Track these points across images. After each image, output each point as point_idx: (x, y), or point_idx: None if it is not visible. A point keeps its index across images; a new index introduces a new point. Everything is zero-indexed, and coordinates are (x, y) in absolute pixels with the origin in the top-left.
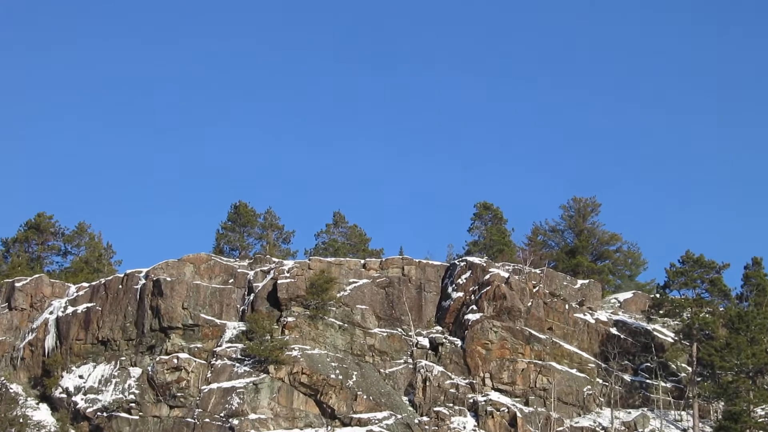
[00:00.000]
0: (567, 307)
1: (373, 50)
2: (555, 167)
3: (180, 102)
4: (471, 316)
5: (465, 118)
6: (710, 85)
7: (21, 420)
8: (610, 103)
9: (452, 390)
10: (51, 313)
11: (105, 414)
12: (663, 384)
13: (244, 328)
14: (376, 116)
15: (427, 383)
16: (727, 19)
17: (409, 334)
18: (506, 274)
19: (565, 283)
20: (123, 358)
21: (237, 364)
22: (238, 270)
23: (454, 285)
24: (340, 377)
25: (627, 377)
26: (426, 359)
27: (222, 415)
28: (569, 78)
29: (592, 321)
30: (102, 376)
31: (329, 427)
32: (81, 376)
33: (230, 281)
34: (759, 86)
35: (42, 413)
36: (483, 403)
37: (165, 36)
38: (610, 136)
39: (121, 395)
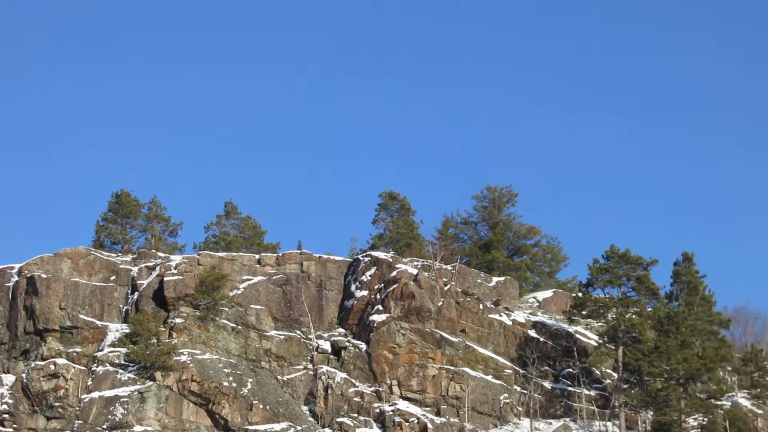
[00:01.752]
0: (481, 307)
1: None
2: (467, 154)
3: (56, 80)
4: (376, 317)
5: (371, 99)
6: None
7: None
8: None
9: (356, 399)
10: None
11: None
12: (586, 392)
13: (127, 331)
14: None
15: (329, 391)
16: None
17: (309, 337)
18: (415, 271)
19: (479, 281)
20: None
21: (120, 371)
22: (121, 266)
23: (357, 282)
24: (234, 385)
25: (547, 384)
26: (328, 365)
27: (105, 427)
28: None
29: (509, 322)
30: None
31: None
32: None
33: (112, 278)
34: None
35: None
36: (390, 413)
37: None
38: (527, 121)
39: None
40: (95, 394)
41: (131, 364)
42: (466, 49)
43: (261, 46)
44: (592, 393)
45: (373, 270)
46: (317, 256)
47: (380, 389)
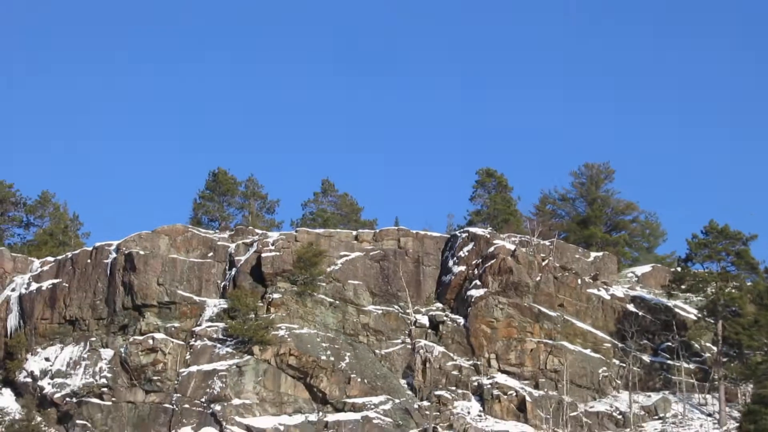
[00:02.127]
0: (579, 281)
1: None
2: (564, 130)
3: (156, 63)
4: (474, 292)
5: (467, 74)
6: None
7: None
8: (621, 59)
9: (455, 372)
10: (13, 290)
11: (74, 399)
12: (685, 365)
13: (225, 306)
14: (366, 71)
15: (427, 365)
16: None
17: (407, 311)
18: (512, 247)
19: (577, 256)
20: (93, 339)
21: (218, 345)
22: (218, 243)
23: (455, 258)
24: (332, 359)
25: (646, 358)
26: (425, 339)
27: (203, 400)
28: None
29: (607, 297)
30: (70, 358)
31: (320, 413)
32: (47, 359)
33: (209, 255)
34: None
35: (5, 399)
36: (489, 386)
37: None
38: (625, 95)
39: (91, 379)
40: (193, 368)
41: (229, 339)
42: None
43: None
44: (691, 366)
45: (470, 246)
46: (414, 232)
47: (478, 363)
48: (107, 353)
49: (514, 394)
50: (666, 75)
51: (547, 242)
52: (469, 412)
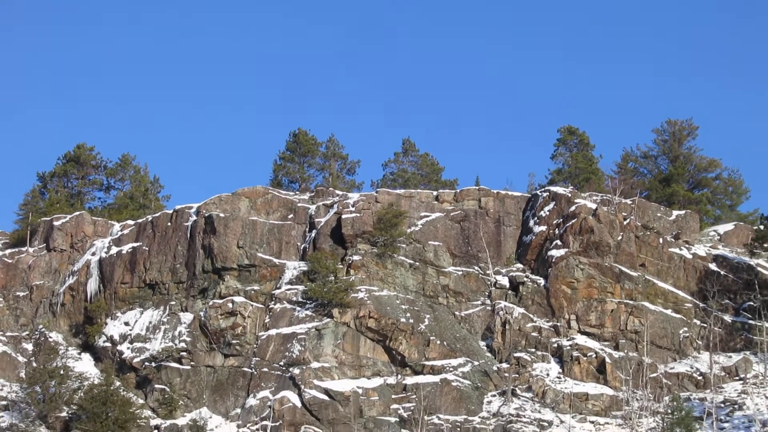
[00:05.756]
0: (661, 241)
1: None
2: (646, 86)
3: (231, 28)
4: (555, 252)
5: (550, 36)
6: None
7: (62, 371)
8: (703, 14)
9: (534, 334)
10: (93, 254)
11: (153, 364)
12: (767, 325)
13: (305, 269)
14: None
15: (507, 326)
16: None
17: (487, 272)
18: (594, 206)
19: (658, 215)
20: (173, 303)
21: (298, 308)
22: (299, 204)
23: (536, 218)
24: (411, 321)
25: (728, 318)
26: (505, 300)
27: (282, 363)
28: None
29: (689, 256)
30: (150, 322)
31: (399, 376)
32: (127, 323)
33: (290, 217)
34: None
35: (84, 364)
36: (568, 347)
37: None
38: (704, 49)
39: (170, 343)
40: (273, 332)
41: (308, 302)
42: None
43: None
44: None
45: (551, 205)
46: (495, 191)
47: (558, 324)
48: (186, 317)
49: (594, 355)
50: (748, 32)
51: (628, 201)
52: (548, 374)
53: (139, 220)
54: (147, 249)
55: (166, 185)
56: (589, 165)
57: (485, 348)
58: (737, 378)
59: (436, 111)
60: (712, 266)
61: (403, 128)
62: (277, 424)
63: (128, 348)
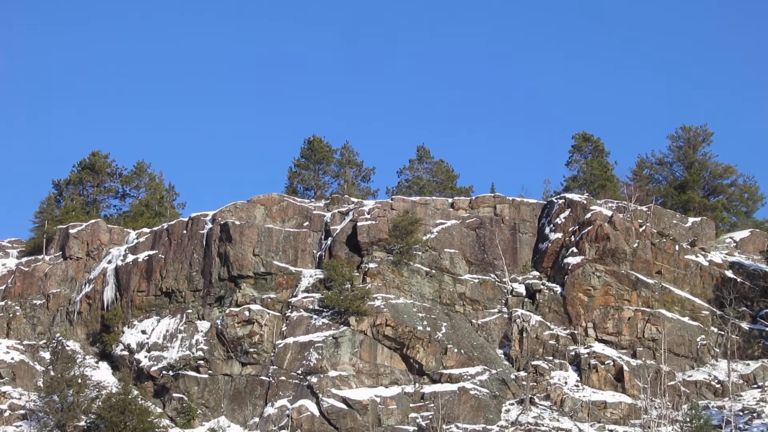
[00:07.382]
0: (677, 248)
1: None
2: (660, 92)
3: (246, 35)
4: (571, 260)
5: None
6: None
7: (79, 380)
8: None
9: (552, 342)
10: (109, 262)
11: (171, 372)
12: None
13: (321, 276)
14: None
15: (524, 334)
16: None
17: (503, 280)
18: (609, 212)
19: (674, 222)
20: (189, 311)
21: (314, 316)
22: (314, 212)
23: (551, 225)
24: (428, 329)
25: (745, 325)
26: (522, 308)
27: (299, 372)
28: None
29: (706, 263)
30: (167, 330)
31: (417, 384)
32: (144, 332)
33: (305, 224)
34: None
35: (102, 372)
36: (586, 355)
37: None
38: (719, 54)
39: (188, 352)
40: (290, 340)
41: (325, 310)
42: None
43: None
44: None
45: (567, 212)
46: (510, 198)
47: (575, 332)
48: (203, 325)
49: (612, 363)
50: (764, 38)
51: (644, 208)
52: (566, 382)
53: (155, 228)
54: (163, 257)
55: (181, 193)
56: (605, 172)
57: (503, 356)
58: (755, 386)
59: (451, 117)
60: (729, 273)
61: (418, 135)
62: None
63: (145, 356)
